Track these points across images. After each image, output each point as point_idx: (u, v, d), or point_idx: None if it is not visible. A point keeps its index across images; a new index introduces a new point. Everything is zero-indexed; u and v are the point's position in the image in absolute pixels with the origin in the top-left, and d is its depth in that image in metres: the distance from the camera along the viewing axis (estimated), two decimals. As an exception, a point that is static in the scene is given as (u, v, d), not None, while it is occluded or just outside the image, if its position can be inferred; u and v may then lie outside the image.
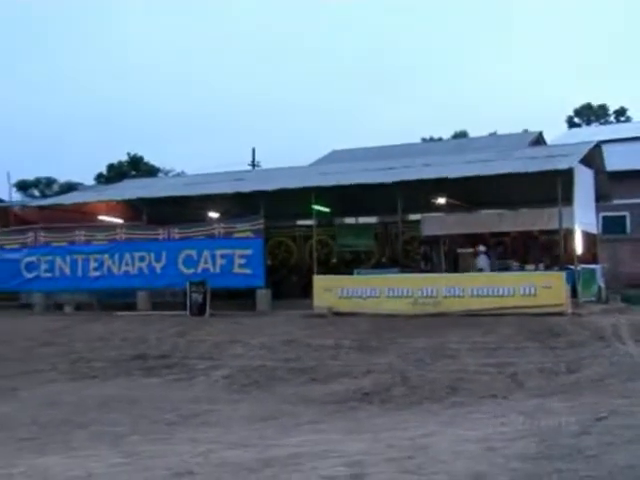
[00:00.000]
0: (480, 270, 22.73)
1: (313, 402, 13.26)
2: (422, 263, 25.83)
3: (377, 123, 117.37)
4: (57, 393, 14.95)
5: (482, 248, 24.07)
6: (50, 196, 49.35)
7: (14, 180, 56.09)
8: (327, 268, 25.93)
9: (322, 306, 21.97)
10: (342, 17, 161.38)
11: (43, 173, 65.23)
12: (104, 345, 19.90)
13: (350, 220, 32.15)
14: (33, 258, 27.81)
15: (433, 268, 24.70)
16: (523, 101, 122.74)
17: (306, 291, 23.65)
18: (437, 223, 25.49)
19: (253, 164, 52.13)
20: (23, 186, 62.09)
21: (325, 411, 12.38)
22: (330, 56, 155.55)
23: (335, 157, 36.25)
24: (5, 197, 38.13)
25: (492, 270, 22.60)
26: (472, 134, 50.53)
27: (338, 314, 21.29)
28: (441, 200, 25.54)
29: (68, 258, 27.14)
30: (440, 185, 23.20)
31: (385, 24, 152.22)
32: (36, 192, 62.22)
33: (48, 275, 27.50)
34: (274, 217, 26.08)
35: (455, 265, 24.75)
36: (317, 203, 24.99)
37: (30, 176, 64.12)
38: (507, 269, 22.52)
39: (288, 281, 27.82)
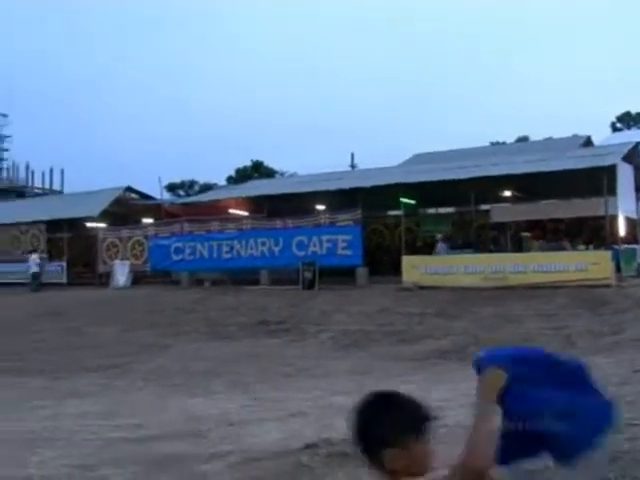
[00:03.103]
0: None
1: (402, 359, 13.28)
2: (491, 245, 25.56)
3: (453, 129, 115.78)
4: (199, 350, 15.33)
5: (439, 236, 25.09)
6: (192, 195, 50.22)
7: (164, 183, 57.29)
8: (413, 250, 25.80)
9: (409, 281, 21.93)
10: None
11: (187, 176, 66.55)
12: (235, 313, 20.23)
13: (431, 210, 31.92)
14: (179, 244, 28.46)
15: (501, 249, 24.42)
16: (575, 108, 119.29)
17: (396, 269, 23.60)
18: (504, 212, 25.16)
19: (352, 165, 52.01)
20: (171, 187, 63.29)
21: (412, 366, 12.38)
22: (411, 69, 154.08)
23: (418, 159, 35.87)
24: (157, 196, 38.90)
25: (542, 250, 22.37)
26: (532, 138, 49.34)
27: (422, 288, 21.19)
28: (507, 193, 25.28)
29: (206, 244, 27.69)
30: (506, 180, 22.91)
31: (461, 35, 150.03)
32: (181, 192, 63.31)
33: (191, 257, 28.10)
34: (369, 209, 26.03)
35: (519, 246, 24.52)
36: (404, 197, 24.97)
37: (177, 179, 65.43)
38: (562, 249, 22.15)
39: (381, 261, 27.73)
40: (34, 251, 32.19)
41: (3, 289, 31.29)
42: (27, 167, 70.09)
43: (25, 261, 32.43)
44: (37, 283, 30.81)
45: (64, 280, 32.18)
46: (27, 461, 5.46)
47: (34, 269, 31.21)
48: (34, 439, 6.32)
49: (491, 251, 23.88)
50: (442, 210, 31.54)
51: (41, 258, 32.08)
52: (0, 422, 7.52)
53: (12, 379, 11.96)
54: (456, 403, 7.47)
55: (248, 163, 63.29)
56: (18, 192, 64.19)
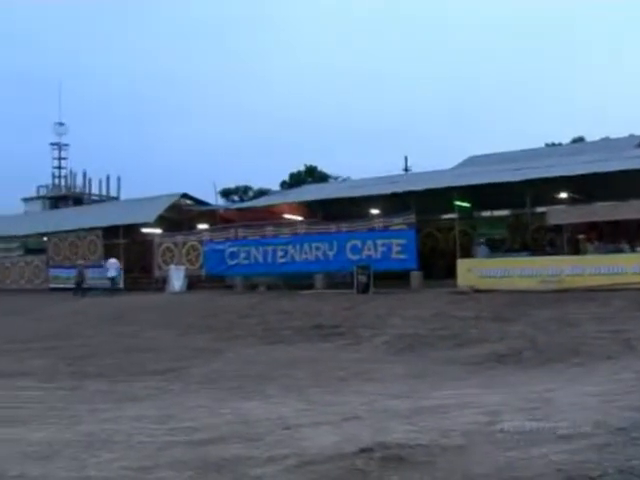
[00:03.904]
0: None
1: (456, 363, 13.14)
2: (548, 248, 25.17)
3: (507, 131, 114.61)
4: (254, 354, 15.40)
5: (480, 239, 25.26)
6: (246, 200, 50.65)
7: (219, 188, 57.96)
8: (468, 253, 25.61)
9: (464, 284, 21.80)
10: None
11: (241, 182, 67.14)
12: (289, 317, 20.30)
13: (486, 213, 31.66)
14: (234, 249, 28.71)
15: (557, 252, 24.04)
16: (631, 107, 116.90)
17: (451, 272, 23.47)
18: (560, 214, 24.73)
19: (405, 169, 51.81)
20: (226, 193, 63.88)
21: (467, 370, 12.26)
22: (464, 72, 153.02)
23: (472, 162, 35.59)
24: (212, 202, 39.34)
25: (599, 252, 21.95)
26: (588, 138, 48.44)
27: (478, 291, 21.02)
28: (563, 195, 24.94)
29: (261, 248, 27.89)
30: (562, 182, 22.61)
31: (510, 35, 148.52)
32: (235, 197, 63.85)
33: (246, 262, 28.33)
34: (423, 212, 25.94)
35: (576, 249, 24.09)
36: (458, 200, 24.81)
37: (231, 184, 66.05)
38: (620, 251, 21.71)
39: (436, 264, 27.61)
40: (112, 256, 32.95)
41: (62, 294, 32.01)
42: (84, 175, 71.55)
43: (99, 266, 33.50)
44: (115, 287, 31.66)
45: (121, 285, 32.76)
46: (86, 463, 5.55)
47: (113, 273, 31.99)
48: (93, 441, 6.43)
49: (547, 254, 23.53)
50: (497, 213, 31.25)
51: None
52: (60, 424, 7.66)
53: (72, 382, 12.19)
54: (512, 408, 7.38)
55: (302, 168, 63.58)
56: (76, 199, 65.54)
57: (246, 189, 65.88)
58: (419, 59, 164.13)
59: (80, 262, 34.35)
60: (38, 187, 73.89)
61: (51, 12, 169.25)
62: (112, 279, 31.91)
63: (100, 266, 34.04)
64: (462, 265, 22.79)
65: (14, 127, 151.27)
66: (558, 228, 25.23)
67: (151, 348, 16.82)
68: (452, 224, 27.37)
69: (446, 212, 29.27)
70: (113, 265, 32.18)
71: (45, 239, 38.78)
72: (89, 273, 34.18)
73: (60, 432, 7.10)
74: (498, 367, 12.58)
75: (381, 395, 9.18)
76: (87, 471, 5.27)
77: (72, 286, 33.22)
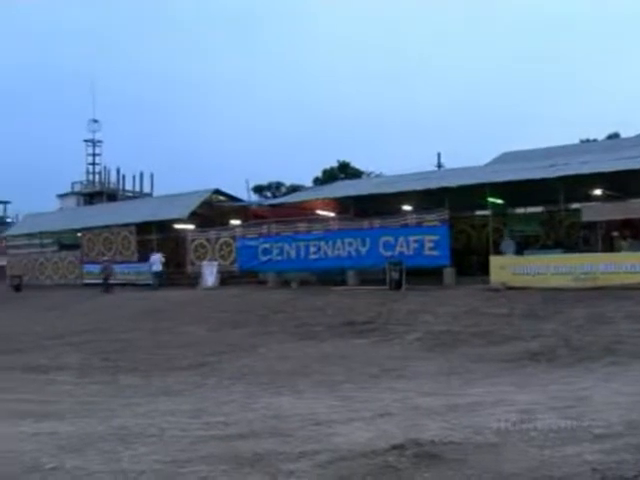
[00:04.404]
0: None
1: (489, 361, 13.08)
2: (582, 245, 24.94)
3: (541, 127, 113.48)
4: (286, 350, 15.45)
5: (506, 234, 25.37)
6: (279, 196, 50.73)
7: (251, 185, 58.21)
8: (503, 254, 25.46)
9: (497, 281, 21.65)
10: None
11: (273, 178, 67.29)
12: (321, 313, 20.33)
13: (520, 210, 31.42)
14: (267, 245, 28.78)
15: (591, 249, 23.78)
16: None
17: (484, 269, 23.35)
18: (595, 211, 24.45)
19: (438, 165, 51.53)
20: (258, 189, 64.08)
21: (499, 368, 12.19)
22: (496, 68, 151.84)
23: (505, 158, 35.25)
24: (245, 198, 39.52)
25: (634, 250, 21.62)
26: (623, 135, 47.71)
27: (510, 288, 20.88)
28: (597, 191, 24.65)
29: (293, 244, 27.93)
30: (596, 178, 22.32)
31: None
32: (268, 193, 64.01)
33: (278, 258, 28.40)
34: (456, 209, 25.83)
35: (610, 246, 23.80)
36: (491, 196, 24.63)
37: (264, 181, 66.22)
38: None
39: (469, 261, 27.46)
40: (157, 250, 33.35)
41: (95, 290, 32.39)
42: (118, 171, 72.27)
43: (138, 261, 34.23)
44: (159, 282, 32.00)
45: (151, 281, 33.03)
46: (120, 456, 5.62)
47: (158, 268, 32.35)
48: (127, 435, 6.50)
49: (581, 251, 23.28)
50: (530, 210, 31.00)
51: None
52: (95, 418, 7.76)
53: (106, 377, 12.35)
54: (545, 406, 7.33)
55: (334, 164, 63.52)
56: (110, 195, 66.25)
57: (278, 185, 66.00)
58: (451, 55, 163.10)
59: (105, 258, 34.83)
60: (72, 183, 74.83)
61: (86, 8, 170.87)
62: (156, 273, 32.31)
63: (133, 262, 34.51)
64: (495, 262, 22.63)
65: (49, 124, 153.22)
66: (592, 225, 24.95)
67: (184, 343, 16.97)
68: (485, 221, 27.21)
69: (479, 209, 29.12)
70: (157, 260, 32.57)
71: (79, 235, 39.24)
72: (124, 269, 34.65)
73: (94, 426, 7.19)
74: (531, 365, 12.49)
75: (413, 392, 9.17)
76: (121, 464, 5.32)
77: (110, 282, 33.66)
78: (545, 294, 19.28)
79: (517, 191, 24.65)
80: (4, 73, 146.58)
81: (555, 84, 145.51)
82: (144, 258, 34.19)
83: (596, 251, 22.86)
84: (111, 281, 33.47)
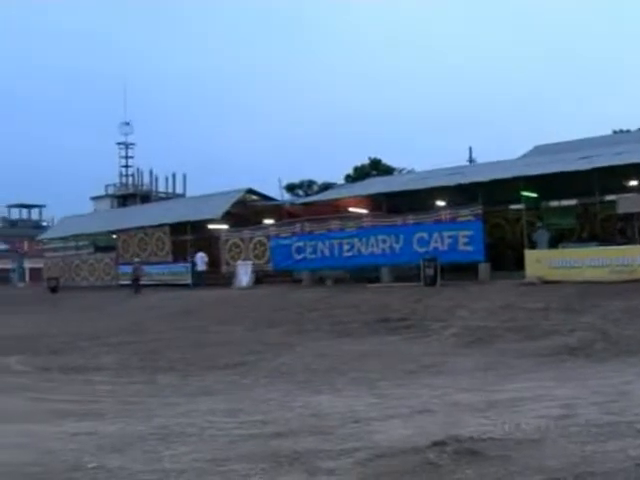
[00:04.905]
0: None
1: (527, 356, 12.95)
2: (618, 237, 24.61)
3: (572, 119, 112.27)
4: (323, 347, 15.42)
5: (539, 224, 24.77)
6: (311, 195, 50.77)
7: (284, 183, 58.38)
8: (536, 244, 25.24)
9: (533, 275, 21.49)
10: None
11: (305, 176, 67.41)
12: (357, 310, 20.32)
13: (554, 203, 31.10)
14: (300, 243, 28.88)
15: (628, 241, 23.48)
16: None
17: (519, 263, 23.18)
18: (631, 202, 24.09)
19: (470, 160, 51.20)
20: (291, 187, 64.21)
21: (537, 363, 12.06)
22: (528, 61, 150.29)
23: (538, 151, 34.91)
24: (277, 197, 39.62)
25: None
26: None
27: (546, 282, 20.72)
28: (633, 182, 24.35)
29: (327, 242, 27.98)
30: (631, 169, 22.06)
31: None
32: (300, 192, 64.11)
33: (312, 256, 28.47)
34: (490, 203, 25.64)
35: (648, 237, 23.56)
36: (525, 190, 24.45)
37: (296, 179, 66.37)
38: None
39: (503, 256, 27.27)
40: (199, 250, 33.78)
41: (131, 291, 32.71)
42: (151, 173, 73.03)
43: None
44: (201, 281, 32.54)
45: (189, 281, 33.31)
46: (161, 455, 5.66)
47: (201, 267, 32.80)
48: (167, 434, 6.55)
49: (618, 243, 23.00)
50: (565, 202, 30.66)
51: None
52: (134, 418, 7.83)
53: (145, 376, 12.44)
54: (586, 401, 7.25)
55: (365, 161, 63.39)
56: (143, 197, 66.94)
57: (310, 183, 66.07)
58: (482, 48, 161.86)
59: (137, 260, 35.25)
60: (106, 186, 75.84)
61: (118, 11, 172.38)
62: (200, 273, 32.75)
63: (168, 262, 34.87)
64: (530, 256, 22.47)
65: (82, 128, 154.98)
66: (629, 216, 24.63)
67: (221, 342, 17.05)
68: (519, 214, 26.98)
69: (513, 202, 28.86)
70: (201, 259, 33.03)
71: (114, 237, 39.68)
72: (159, 269, 35.04)
73: (134, 425, 7.25)
74: (569, 360, 12.35)
75: (451, 388, 9.12)
76: (162, 463, 5.37)
77: (141, 282, 34.00)
78: (581, 287, 19.10)
79: (551, 184, 24.41)
80: (38, 79, 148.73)
81: (588, 77, 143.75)
82: (178, 258, 34.57)
83: (633, 243, 22.58)
84: (143, 282, 33.91)
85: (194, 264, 33.46)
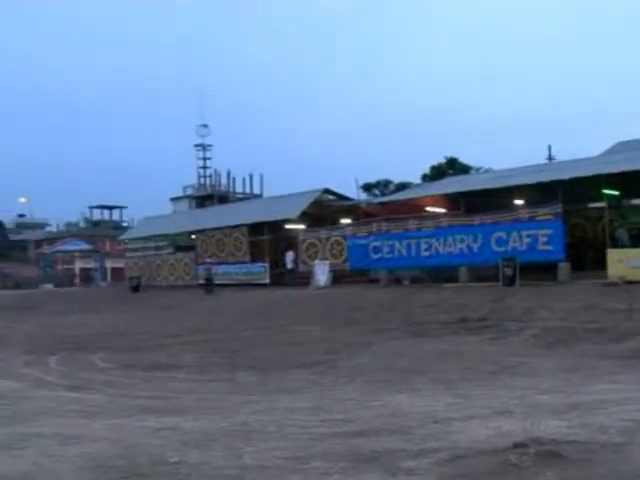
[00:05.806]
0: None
1: (609, 357, 12.63)
2: None
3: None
4: (401, 347, 15.40)
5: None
6: (387, 194, 50.65)
7: (360, 183, 58.43)
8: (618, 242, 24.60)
9: (615, 275, 20.94)
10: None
11: (382, 176, 67.29)
12: (435, 310, 20.22)
13: (637, 201, 30.21)
14: (377, 243, 28.87)
15: None
16: None
17: (600, 263, 22.62)
18: None
19: (549, 158, 50.23)
20: (367, 187, 64.23)
21: (621, 365, 11.75)
22: (608, 55, 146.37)
23: (620, 148, 33.96)
24: (354, 197, 39.68)
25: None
26: None
27: (629, 282, 20.18)
28: None
29: (404, 242, 27.90)
30: None
31: None
32: (376, 191, 64.03)
33: (389, 256, 28.43)
34: (570, 202, 25.09)
35: None
36: (606, 188, 23.84)
37: (372, 179, 66.34)
38: None
39: (584, 255, 26.66)
40: (289, 248, 34.53)
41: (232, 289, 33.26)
42: (228, 174, 74.01)
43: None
44: (292, 278, 33.25)
45: (267, 280, 33.70)
46: (242, 452, 5.75)
47: (290, 265, 33.45)
48: (248, 431, 6.65)
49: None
50: (648, 201, 29.78)
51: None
52: (215, 414, 7.99)
53: (224, 374, 12.66)
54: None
55: (442, 160, 62.88)
56: (221, 198, 67.92)
57: (387, 183, 65.94)
58: (562, 42, 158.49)
59: (209, 260, 35.93)
60: (185, 187, 77.29)
61: (195, 15, 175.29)
62: (291, 271, 33.28)
63: (245, 262, 35.40)
64: (612, 255, 21.90)
65: (162, 129, 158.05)
66: None
67: (299, 342, 17.19)
68: (601, 213, 26.33)
69: (594, 201, 28.17)
70: (290, 257, 33.61)
71: (193, 237, 40.40)
72: (237, 269, 35.63)
73: (215, 422, 7.39)
74: (656, 362, 12.03)
75: (532, 389, 8.99)
76: (243, 460, 5.46)
77: (217, 282, 34.63)
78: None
79: (634, 181, 23.73)
80: (118, 86, 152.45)
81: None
82: (256, 258, 35.07)
83: None
84: (221, 282, 34.63)
85: (283, 263, 34.31)
